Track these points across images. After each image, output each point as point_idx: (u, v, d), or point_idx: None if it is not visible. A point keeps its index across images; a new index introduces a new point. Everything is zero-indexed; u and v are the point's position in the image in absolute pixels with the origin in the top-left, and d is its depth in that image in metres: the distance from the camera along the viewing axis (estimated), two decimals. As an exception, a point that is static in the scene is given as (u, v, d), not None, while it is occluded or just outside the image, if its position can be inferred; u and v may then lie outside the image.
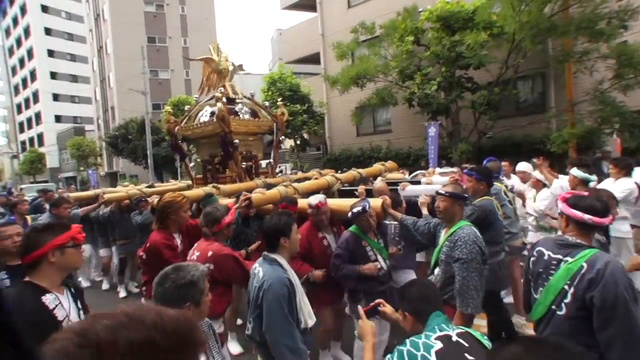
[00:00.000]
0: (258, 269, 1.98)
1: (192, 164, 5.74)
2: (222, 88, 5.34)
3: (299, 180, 4.73)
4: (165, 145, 20.35)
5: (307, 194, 3.49)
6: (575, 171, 3.22)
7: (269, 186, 3.99)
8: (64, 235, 1.55)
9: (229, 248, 2.45)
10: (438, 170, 5.09)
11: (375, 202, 2.75)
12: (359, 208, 2.53)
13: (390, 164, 5.47)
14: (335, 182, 4.04)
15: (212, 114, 5.01)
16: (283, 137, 6.06)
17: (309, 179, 4.82)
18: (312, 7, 15.36)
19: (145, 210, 4.49)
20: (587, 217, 1.66)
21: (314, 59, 15.51)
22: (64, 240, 1.54)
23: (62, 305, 1.51)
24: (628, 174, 3.49)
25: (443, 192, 2.32)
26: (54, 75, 37.56)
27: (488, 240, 2.69)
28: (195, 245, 2.39)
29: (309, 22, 15.90)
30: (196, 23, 28.46)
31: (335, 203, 2.96)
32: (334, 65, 12.73)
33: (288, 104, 11.96)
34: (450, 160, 9.88)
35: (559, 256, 1.70)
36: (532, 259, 1.86)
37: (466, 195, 2.47)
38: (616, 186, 3.32)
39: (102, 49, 29.07)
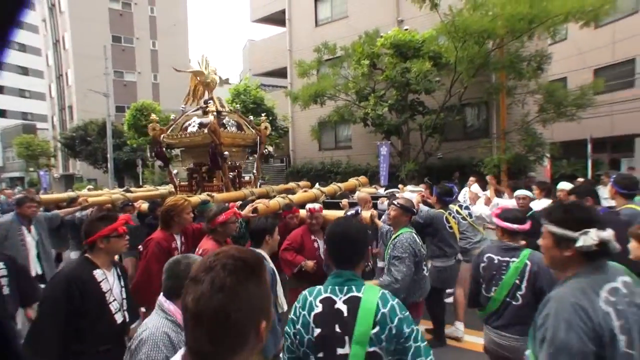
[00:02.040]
0: None
1: (175, 172, 5.90)
2: (210, 101, 5.61)
3: (283, 191, 5.20)
4: (127, 149, 19.95)
5: (300, 204, 4.02)
6: (519, 192, 4.25)
7: (258, 196, 4.55)
8: (110, 227, 1.95)
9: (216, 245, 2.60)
10: (408, 187, 5.78)
11: (365, 214, 3.34)
12: (352, 212, 3.15)
13: (362, 179, 6.19)
14: (320, 194, 4.67)
15: (201, 124, 5.23)
16: (267, 150, 6.10)
17: (289, 189, 5.43)
18: (282, 22, 16.01)
19: (131, 214, 4.61)
20: (514, 226, 2.31)
21: (281, 72, 16.10)
22: (109, 232, 1.95)
23: (107, 280, 1.94)
24: (547, 195, 4.40)
25: (395, 204, 2.84)
26: (-4, 65, 35.14)
27: (437, 245, 3.69)
28: (201, 242, 2.73)
29: (278, 37, 16.50)
30: (166, 26, 28.14)
31: (328, 213, 3.48)
32: (300, 80, 13.41)
33: (251, 116, 12.40)
34: (399, 177, 10.78)
35: (507, 258, 2.26)
36: (482, 264, 2.35)
37: (414, 210, 2.97)
38: (538, 204, 4.17)
39: (59, 43, 27.78)
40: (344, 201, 4.26)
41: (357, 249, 1.42)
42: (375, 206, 4.14)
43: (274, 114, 14.48)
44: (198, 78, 5.77)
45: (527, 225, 2.34)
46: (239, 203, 3.79)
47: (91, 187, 16.78)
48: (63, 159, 27.20)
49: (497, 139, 10.26)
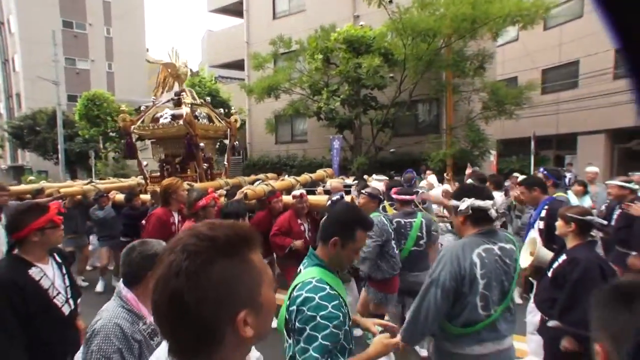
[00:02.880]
0: None
1: (145, 163, 5.88)
2: (183, 93, 5.65)
3: (253, 182, 5.44)
4: (79, 140, 18.98)
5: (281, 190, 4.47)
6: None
7: (232, 186, 4.95)
8: (43, 218, 1.75)
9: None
10: (374, 177, 6.15)
11: (347, 198, 3.75)
12: (338, 196, 3.54)
13: (329, 170, 6.71)
14: (296, 183, 5.17)
15: (174, 116, 5.31)
16: (236, 142, 6.23)
17: (258, 180, 5.68)
18: (239, 13, 15.65)
19: (106, 205, 4.99)
20: (407, 197, 3.34)
21: (239, 65, 15.77)
22: (43, 224, 1.75)
23: (46, 276, 1.78)
24: (497, 187, 4.64)
25: (364, 192, 3.25)
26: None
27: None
28: (183, 225, 3.00)
29: (236, 28, 16.13)
30: (121, 12, 26.73)
31: (312, 198, 3.90)
32: (257, 73, 13.18)
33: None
34: (350, 170, 10.88)
35: (409, 220, 3.25)
36: (393, 227, 3.18)
37: (381, 197, 3.32)
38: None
39: (4, 26, 25.87)
40: (320, 189, 4.76)
41: (327, 228, 1.47)
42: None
43: (230, 106, 14.21)
44: (169, 70, 5.77)
45: (414, 196, 3.36)
46: (221, 191, 4.31)
47: (32, 178, 15.87)
48: (11, 149, 25.49)
49: (443, 134, 10.55)
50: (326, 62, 11.15)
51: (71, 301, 1.91)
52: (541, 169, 3.56)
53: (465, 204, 1.70)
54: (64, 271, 1.93)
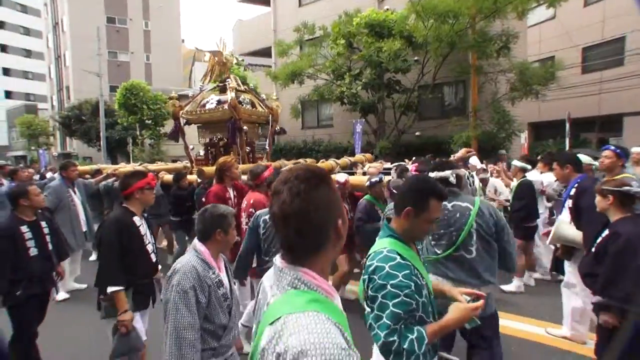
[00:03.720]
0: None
1: (191, 147, 6.20)
2: (228, 79, 5.94)
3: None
4: (119, 128, 20.89)
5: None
6: (515, 162, 4.59)
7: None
8: (143, 181, 2.37)
9: (263, 195, 3.19)
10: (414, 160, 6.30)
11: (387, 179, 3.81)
12: (376, 179, 3.53)
13: (368, 155, 6.93)
14: (335, 166, 5.46)
15: (219, 101, 5.63)
16: (278, 127, 6.48)
17: (298, 163, 5.83)
18: (267, 2, 16.37)
19: (155, 185, 5.41)
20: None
21: (266, 52, 16.54)
22: (143, 185, 2.37)
23: (143, 225, 2.38)
24: (550, 169, 4.45)
25: (405, 175, 3.33)
26: (4, 49, 36.56)
27: None
28: (246, 196, 3.36)
29: (264, 16, 16.89)
30: (159, 6, 28.69)
31: (352, 179, 3.97)
32: (283, 60, 13.84)
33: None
34: (373, 154, 11.31)
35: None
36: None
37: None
38: (542, 177, 4.51)
39: (58, 25, 28.74)
40: (358, 171, 5.20)
41: (400, 199, 1.55)
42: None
43: (258, 93, 15.02)
44: (216, 58, 6.11)
45: None
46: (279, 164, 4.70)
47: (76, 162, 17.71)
48: (61, 137, 28.44)
49: (467, 116, 10.63)
50: (349, 46, 11.56)
51: (154, 256, 2.44)
52: (609, 147, 3.24)
53: (433, 175, 2.20)
54: (151, 231, 2.51)
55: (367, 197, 3.59)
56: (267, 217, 2.62)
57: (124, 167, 6.42)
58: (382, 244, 1.42)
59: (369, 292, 1.33)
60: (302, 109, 14.40)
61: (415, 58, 10.97)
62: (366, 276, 1.37)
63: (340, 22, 11.56)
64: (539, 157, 5.64)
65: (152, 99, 19.52)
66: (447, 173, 2.19)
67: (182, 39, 31.62)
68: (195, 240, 1.81)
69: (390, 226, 1.48)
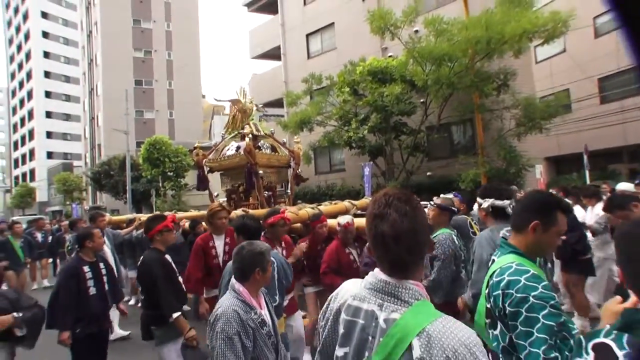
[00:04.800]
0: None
1: (216, 194, 6.37)
2: (247, 126, 6.09)
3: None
4: (143, 181, 22.60)
5: (330, 216, 4.34)
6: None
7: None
8: (162, 224, 2.81)
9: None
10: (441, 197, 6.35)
11: None
12: None
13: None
14: (351, 207, 5.22)
15: (238, 148, 5.84)
16: (300, 170, 6.43)
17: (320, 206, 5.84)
18: (278, 57, 18.16)
19: (176, 232, 5.19)
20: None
21: (279, 103, 17.94)
22: (161, 227, 2.79)
23: (171, 262, 2.83)
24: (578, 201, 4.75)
25: (432, 204, 3.14)
26: (49, 115, 41.89)
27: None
28: None
29: (275, 70, 18.63)
30: (181, 67, 32.27)
31: (360, 221, 3.68)
32: (293, 109, 14.98)
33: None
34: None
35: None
36: None
37: (453, 208, 3.22)
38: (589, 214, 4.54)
39: (93, 90, 32.85)
40: None
41: (520, 214, 1.56)
42: None
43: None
44: (236, 106, 6.35)
45: None
46: (292, 208, 4.48)
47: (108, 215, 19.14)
48: (92, 192, 30.94)
49: (475, 154, 10.82)
50: (354, 93, 12.45)
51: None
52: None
53: (486, 202, 2.16)
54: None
55: None
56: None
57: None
58: (507, 260, 1.39)
59: (507, 307, 1.26)
60: (314, 155, 15.17)
61: (422, 100, 11.58)
62: (497, 292, 1.31)
63: (345, 72, 12.59)
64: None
65: (173, 152, 21.21)
66: (505, 203, 2.10)
67: (202, 95, 34.86)
68: (234, 280, 1.85)
69: (510, 243, 1.46)
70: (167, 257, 2.82)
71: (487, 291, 1.40)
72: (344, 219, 3.53)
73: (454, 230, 3.07)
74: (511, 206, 2.08)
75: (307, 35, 16.70)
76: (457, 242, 2.94)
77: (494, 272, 1.39)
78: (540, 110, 9.37)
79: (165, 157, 20.86)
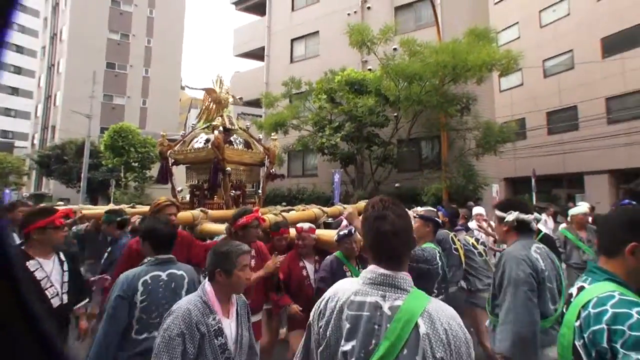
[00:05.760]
0: None
1: (179, 189, 5.95)
2: (219, 118, 5.72)
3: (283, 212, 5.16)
4: (103, 170, 21.96)
5: (296, 223, 3.97)
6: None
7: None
8: (46, 219, 2.20)
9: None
10: (418, 209, 5.64)
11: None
12: (345, 231, 3.00)
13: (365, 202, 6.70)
14: (322, 214, 4.78)
15: (207, 141, 5.45)
16: (273, 170, 6.14)
17: (292, 210, 5.42)
18: (261, 57, 18.91)
19: (126, 229, 4.71)
20: None
21: (259, 103, 18.62)
22: (44, 224, 2.19)
23: (42, 269, 2.18)
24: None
25: (414, 215, 3.01)
26: (-11, 86, 38.92)
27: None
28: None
29: (258, 70, 19.33)
30: (161, 55, 31.85)
31: (322, 232, 3.49)
32: (271, 111, 15.72)
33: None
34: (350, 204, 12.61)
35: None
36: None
37: (437, 220, 3.15)
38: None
39: (54, 67, 31.36)
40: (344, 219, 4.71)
41: (613, 235, 1.39)
42: None
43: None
44: (210, 96, 6.00)
45: None
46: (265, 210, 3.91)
47: (60, 203, 18.17)
48: (37, 178, 29.20)
49: (439, 169, 12.24)
50: (331, 101, 13.48)
51: (64, 296, 2.26)
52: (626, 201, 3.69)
53: (511, 216, 2.02)
54: (65, 268, 2.33)
55: (337, 253, 3.10)
56: (149, 277, 2.04)
57: (95, 209, 6.04)
58: (604, 288, 1.25)
59: (617, 347, 1.12)
60: (288, 158, 15.96)
61: (395, 114, 12.87)
62: (598, 326, 1.18)
63: (324, 79, 13.64)
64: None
65: (140, 142, 20.94)
66: (530, 217, 2.05)
67: (182, 87, 34.44)
68: (204, 281, 1.82)
69: (603, 268, 1.32)
70: (34, 262, 2.19)
71: (578, 324, 1.26)
72: (301, 224, 3.35)
73: (438, 247, 3.06)
74: (536, 222, 2.11)
75: (292, 40, 17.60)
76: (441, 259, 2.91)
77: (588, 302, 1.25)
78: (496, 135, 10.95)
79: (131, 146, 20.57)
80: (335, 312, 1.11)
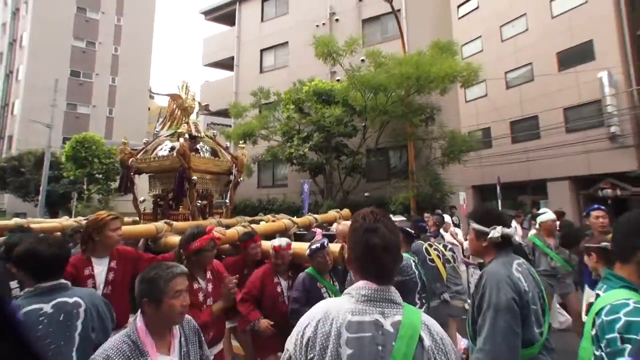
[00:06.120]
0: None
1: (142, 199, 5.76)
2: (184, 125, 5.59)
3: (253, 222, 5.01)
4: (64, 182, 20.91)
5: (267, 235, 3.85)
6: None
7: (226, 226, 4.16)
8: None
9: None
10: (392, 217, 6.55)
11: (334, 247, 3.05)
12: (318, 244, 2.88)
13: (345, 211, 5.92)
14: (292, 225, 4.59)
15: (172, 148, 5.30)
16: (241, 179, 6.01)
17: (258, 221, 5.37)
18: (231, 67, 18.79)
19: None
20: None
21: (228, 112, 18.43)
22: None
23: None
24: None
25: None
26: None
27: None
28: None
29: (227, 80, 19.19)
30: (128, 62, 31.03)
31: (296, 245, 3.28)
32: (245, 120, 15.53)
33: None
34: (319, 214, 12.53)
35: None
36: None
37: (411, 232, 3.14)
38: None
39: (12, 74, 29.90)
40: (318, 231, 4.34)
41: (626, 240, 1.38)
42: None
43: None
44: (176, 102, 5.86)
45: None
46: (219, 227, 3.56)
47: (17, 219, 17.21)
48: (-10, 191, 27.48)
49: (405, 179, 12.41)
50: (299, 111, 13.49)
51: None
52: (595, 207, 3.57)
53: (497, 231, 1.81)
54: None
55: (309, 270, 2.98)
56: (23, 313, 1.71)
57: (47, 222, 5.74)
58: (618, 295, 1.25)
59: (627, 357, 1.11)
60: (258, 168, 15.78)
61: (363, 124, 13.01)
62: (611, 335, 1.18)
63: (293, 90, 13.66)
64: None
65: (105, 153, 20.17)
66: (512, 230, 1.88)
67: (151, 95, 33.53)
68: (138, 313, 1.58)
69: (618, 274, 1.32)
70: None
71: (594, 332, 1.25)
72: (278, 242, 3.12)
73: (414, 256, 3.04)
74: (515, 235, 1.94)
75: (262, 50, 17.61)
76: (415, 269, 2.86)
77: (601, 309, 1.24)
78: (460, 144, 11.24)
79: (95, 157, 19.77)
80: (331, 338, 1.02)
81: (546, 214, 4.66)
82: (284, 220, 4.83)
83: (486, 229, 1.85)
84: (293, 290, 2.92)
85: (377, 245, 1.07)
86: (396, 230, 1.14)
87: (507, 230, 1.82)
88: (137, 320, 1.54)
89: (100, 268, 2.60)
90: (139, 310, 1.58)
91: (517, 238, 1.98)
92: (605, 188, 14.25)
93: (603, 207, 3.53)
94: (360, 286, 1.08)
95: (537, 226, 4.70)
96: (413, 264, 2.87)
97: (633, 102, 13.94)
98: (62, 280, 1.89)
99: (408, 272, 2.75)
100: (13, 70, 29.86)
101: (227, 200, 6.20)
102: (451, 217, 8.38)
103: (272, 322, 2.86)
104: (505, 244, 1.85)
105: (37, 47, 27.63)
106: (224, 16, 19.57)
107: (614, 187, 14.05)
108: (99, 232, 2.59)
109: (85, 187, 19.67)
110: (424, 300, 2.86)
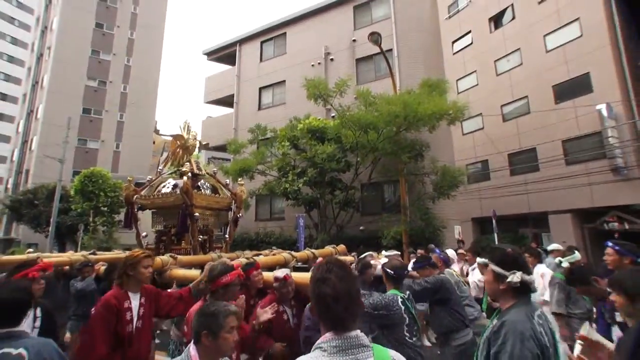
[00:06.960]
0: None
1: (144, 234, 6.00)
2: (187, 163, 5.83)
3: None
4: (73, 214, 21.69)
5: (268, 267, 4.04)
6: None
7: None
8: (22, 272, 2.56)
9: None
10: (384, 253, 6.09)
11: None
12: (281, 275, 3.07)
13: (340, 247, 6.18)
14: (291, 259, 4.86)
15: (175, 186, 5.54)
16: (240, 214, 6.22)
17: (259, 254, 5.53)
18: (231, 104, 19.69)
19: (88, 276, 4.69)
20: None
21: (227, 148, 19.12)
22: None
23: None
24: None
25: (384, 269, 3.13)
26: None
27: (453, 311, 3.44)
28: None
29: (227, 116, 20.07)
30: (136, 99, 32.87)
31: (299, 276, 3.40)
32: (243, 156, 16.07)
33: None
34: (313, 247, 12.59)
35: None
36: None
37: (393, 275, 3.15)
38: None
39: (32, 113, 32.01)
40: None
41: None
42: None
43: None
44: (178, 142, 6.12)
45: None
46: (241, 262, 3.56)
47: (31, 250, 17.73)
48: (7, 222, 28.61)
49: (398, 213, 12.45)
50: (295, 148, 13.93)
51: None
52: (608, 243, 3.37)
53: (516, 276, 1.75)
54: (36, 324, 2.59)
55: None
56: None
57: (57, 256, 5.87)
58: None
59: None
60: (256, 202, 16.10)
61: (358, 159, 13.29)
62: None
63: (288, 127, 14.16)
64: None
65: (111, 187, 20.99)
66: (533, 278, 1.83)
67: (157, 130, 35.13)
68: (192, 343, 1.75)
69: None
70: None
71: None
72: (282, 272, 3.25)
73: (405, 292, 3.09)
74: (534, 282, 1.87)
75: (260, 89, 18.49)
76: (402, 304, 2.92)
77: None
78: (449, 180, 11.32)
79: (101, 190, 20.57)
80: None
81: (574, 255, 4.48)
82: (283, 254, 5.09)
83: (505, 273, 1.80)
84: (304, 319, 3.07)
85: (327, 295, 1.13)
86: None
87: (526, 277, 1.77)
88: (190, 349, 1.71)
89: (135, 303, 2.75)
90: (192, 340, 1.75)
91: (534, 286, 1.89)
92: (611, 221, 13.89)
93: (610, 244, 3.36)
94: (330, 338, 1.12)
95: (564, 265, 4.48)
96: (400, 299, 2.96)
97: (637, 134, 13.84)
98: (15, 329, 1.85)
99: (393, 307, 2.87)
100: (33, 110, 31.97)
101: (227, 235, 6.37)
102: (456, 251, 8.28)
103: (284, 344, 3.04)
104: (524, 290, 1.80)
105: (55, 87, 29.72)
106: (225, 56, 20.76)
107: (621, 221, 13.68)
108: (133, 268, 2.76)
109: (91, 219, 20.32)
110: (415, 333, 2.94)
